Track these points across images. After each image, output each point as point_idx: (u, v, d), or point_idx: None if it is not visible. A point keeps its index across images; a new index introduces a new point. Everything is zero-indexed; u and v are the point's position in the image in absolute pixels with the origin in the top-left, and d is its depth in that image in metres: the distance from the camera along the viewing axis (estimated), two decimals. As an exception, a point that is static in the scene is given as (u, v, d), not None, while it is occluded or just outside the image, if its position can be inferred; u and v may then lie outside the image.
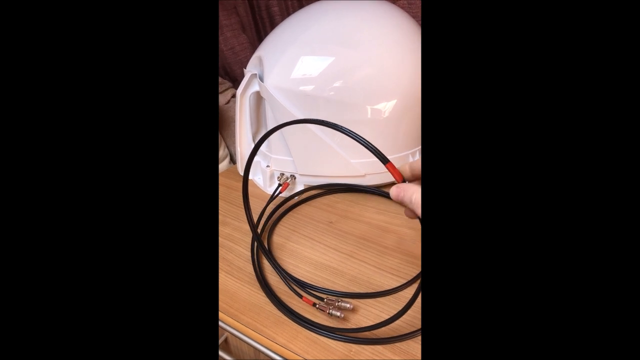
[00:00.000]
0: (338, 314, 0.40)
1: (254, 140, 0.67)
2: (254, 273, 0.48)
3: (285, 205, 0.61)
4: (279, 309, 0.42)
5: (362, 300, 0.43)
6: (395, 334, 0.39)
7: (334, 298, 0.42)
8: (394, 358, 0.37)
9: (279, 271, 0.47)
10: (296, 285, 0.45)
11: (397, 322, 0.40)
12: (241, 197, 0.64)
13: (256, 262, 0.50)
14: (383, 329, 0.39)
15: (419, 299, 0.43)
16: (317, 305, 0.41)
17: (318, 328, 0.40)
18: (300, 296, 0.43)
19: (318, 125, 0.58)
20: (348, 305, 0.41)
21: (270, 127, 0.62)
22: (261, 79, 0.59)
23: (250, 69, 0.61)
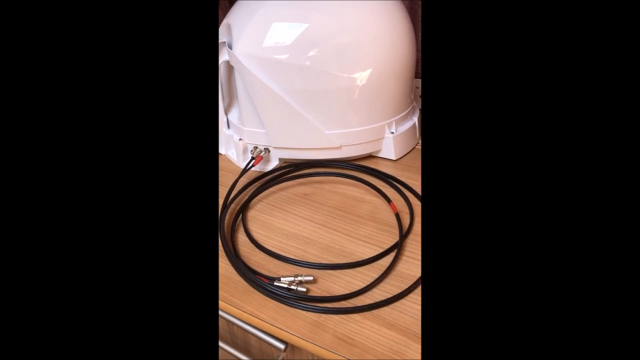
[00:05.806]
0: (303, 290, 0.39)
1: (225, 114, 0.65)
2: (220, 244, 0.46)
3: (261, 180, 0.59)
4: (241, 276, 0.41)
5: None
6: (367, 301, 0.38)
7: (292, 276, 0.40)
8: (364, 322, 0.36)
9: (252, 241, 0.45)
10: (267, 255, 0.44)
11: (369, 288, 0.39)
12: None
13: (226, 234, 0.48)
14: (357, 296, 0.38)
15: (395, 268, 0.42)
16: (275, 283, 0.39)
17: (286, 299, 0.38)
18: (255, 273, 0.41)
19: (291, 95, 0.56)
20: (310, 278, 0.40)
21: (241, 99, 0.59)
22: (230, 47, 0.56)
23: (219, 38, 0.59)
